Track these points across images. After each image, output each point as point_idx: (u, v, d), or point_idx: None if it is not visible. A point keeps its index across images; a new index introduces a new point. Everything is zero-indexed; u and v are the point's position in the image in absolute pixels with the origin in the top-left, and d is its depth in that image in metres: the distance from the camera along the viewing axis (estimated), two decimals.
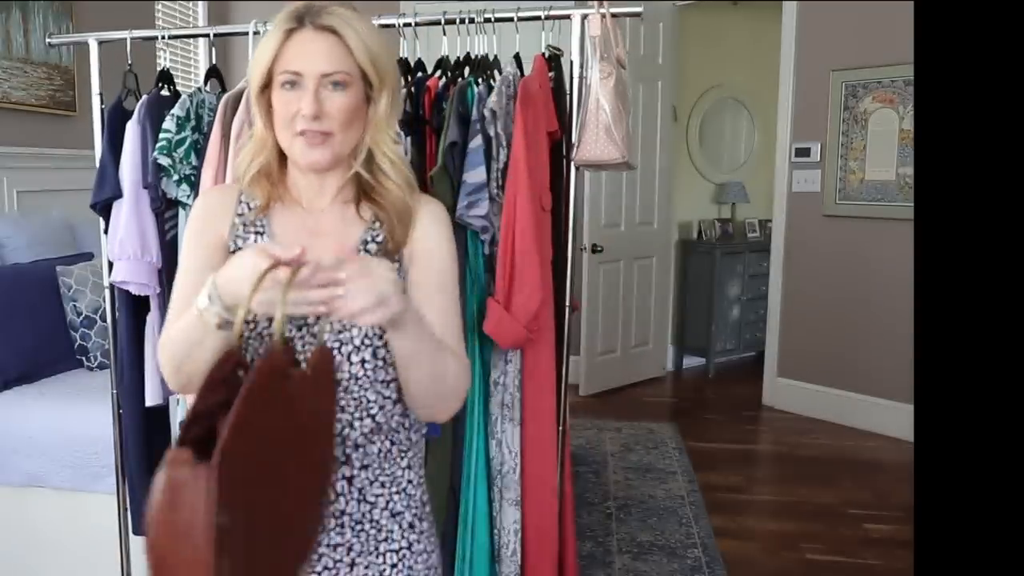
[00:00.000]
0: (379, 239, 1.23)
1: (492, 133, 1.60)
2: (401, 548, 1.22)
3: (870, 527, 3.03)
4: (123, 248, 1.69)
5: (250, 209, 1.21)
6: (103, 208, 1.77)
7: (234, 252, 1.17)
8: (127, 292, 1.76)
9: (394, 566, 1.21)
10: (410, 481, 1.24)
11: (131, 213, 1.69)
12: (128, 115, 1.75)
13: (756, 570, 2.71)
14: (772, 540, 2.93)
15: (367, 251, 1.23)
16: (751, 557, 2.79)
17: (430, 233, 1.24)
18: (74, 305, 2.65)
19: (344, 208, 1.23)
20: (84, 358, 2.65)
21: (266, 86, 1.16)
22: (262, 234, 1.20)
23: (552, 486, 1.73)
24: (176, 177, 1.63)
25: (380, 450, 1.20)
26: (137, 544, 1.99)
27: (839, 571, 2.71)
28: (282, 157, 1.21)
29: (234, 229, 1.20)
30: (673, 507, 3.16)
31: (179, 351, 1.11)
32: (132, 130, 1.72)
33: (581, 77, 1.64)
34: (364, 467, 1.18)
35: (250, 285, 0.98)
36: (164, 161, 1.61)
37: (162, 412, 1.87)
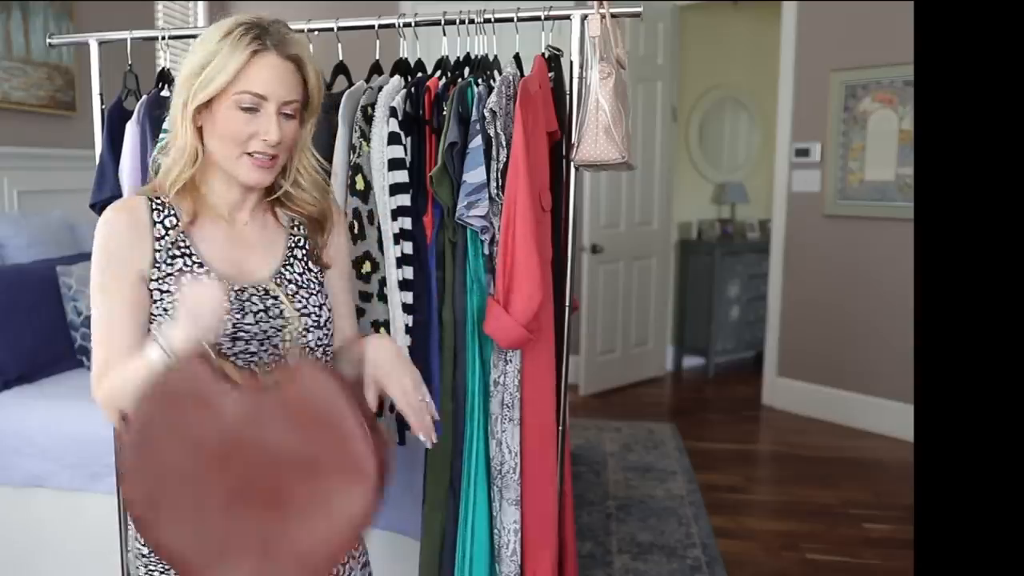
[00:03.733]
0: (302, 244, 1.29)
1: (492, 133, 1.60)
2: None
3: (870, 527, 3.03)
4: None
5: (167, 229, 1.18)
6: (103, 208, 1.77)
7: (157, 279, 1.16)
8: None
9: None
10: None
11: None
12: (128, 115, 1.75)
13: (756, 570, 2.71)
14: (772, 540, 2.93)
15: (295, 258, 1.27)
16: (751, 557, 2.79)
17: (341, 254, 1.34)
18: (74, 305, 2.65)
19: (263, 217, 1.27)
20: (84, 358, 2.65)
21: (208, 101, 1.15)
22: (190, 255, 1.18)
23: (552, 486, 1.73)
24: None
25: None
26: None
27: (839, 571, 2.71)
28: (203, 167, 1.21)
29: (154, 256, 1.17)
30: (673, 507, 3.16)
31: (130, 395, 1.09)
32: (132, 130, 1.72)
33: (581, 77, 1.64)
34: None
35: (213, 314, 1.04)
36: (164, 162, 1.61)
37: None
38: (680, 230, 5.63)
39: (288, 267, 1.26)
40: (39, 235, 2.93)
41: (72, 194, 3.23)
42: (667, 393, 5.02)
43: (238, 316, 1.16)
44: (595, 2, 1.58)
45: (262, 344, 1.18)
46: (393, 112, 1.64)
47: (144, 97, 1.76)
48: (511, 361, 1.67)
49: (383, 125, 1.64)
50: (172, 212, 1.19)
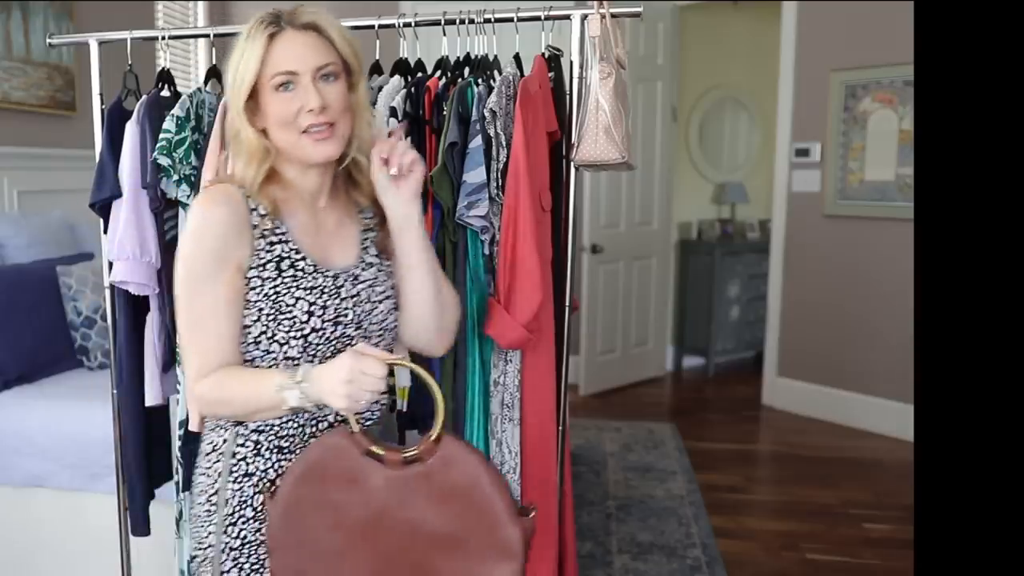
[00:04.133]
0: (372, 228, 1.31)
1: (492, 133, 1.60)
2: None
3: (870, 527, 3.03)
4: (122, 248, 1.69)
5: (261, 216, 1.21)
6: (102, 208, 1.77)
7: (257, 267, 1.18)
8: (127, 292, 1.76)
9: None
10: None
11: (130, 213, 1.69)
12: (128, 115, 1.75)
13: (756, 570, 2.71)
14: (772, 540, 2.93)
15: (371, 242, 1.30)
16: (751, 557, 2.79)
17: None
18: (74, 305, 2.65)
19: (339, 201, 1.29)
20: (84, 358, 2.65)
21: (250, 96, 1.18)
22: (286, 242, 1.21)
23: (552, 486, 1.73)
24: (176, 177, 1.63)
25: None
26: (137, 544, 1.99)
27: (839, 571, 2.71)
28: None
29: (254, 245, 1.19)
30: (673, 507, 3.16)
31: (242, 412, 1.19)
32: (131, 130, 1.72)
33: (581, 77, 1.64)
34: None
35: (373, 394, 1.07)
36: (164, 161, 1.61)
37: (162, 412, 1.87)
38: (680, 230, 5.63)
39: (366, 251, 1.29)
40: (39, 235, 2.93)
41: (72, 194, 3.23)
42: (667, 393, 5.02)
43: (336, 301, 1.21)
44: (595, 2, 1.57)
45: (357, 328, 1.23)
46: (393, 112, 1.64)
47: (144, 97, 1.76)
48: (511, 361, 1.67)
49: (383, 125, 1.64)
50: (260, 202, 1.21)
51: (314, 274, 1.21)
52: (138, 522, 1.87)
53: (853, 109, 4.15)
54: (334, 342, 1.20)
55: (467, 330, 1.68)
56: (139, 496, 1.85)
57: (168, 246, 1.72)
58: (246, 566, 1.22)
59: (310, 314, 1.18)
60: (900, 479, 3.47)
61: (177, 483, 1.75)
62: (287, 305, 1.18)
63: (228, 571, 1.22)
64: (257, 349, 1.20)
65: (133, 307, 1.80)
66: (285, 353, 1.19)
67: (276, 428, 1.23)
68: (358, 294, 1.24)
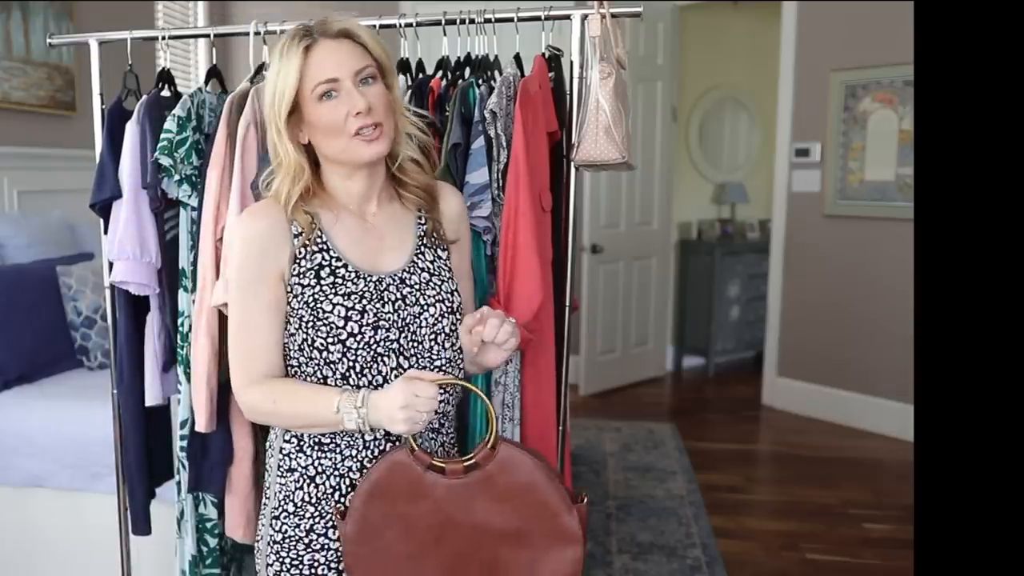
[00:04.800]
0: (429, 231, 1.32)
1: (492, 134, 1.60)
2: None
3: (870, 527, 3.03)
4: (122, 248, 1.69)
5: (302, 228, 1.23)
6: (102, 208, 1.77)
7: (297, 276, 1.22)
8: (127, 292, 1.76)
9: None
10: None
11: (130, 213, 1.69)
12: (128, 115, 1.75)
13: (756, 570, 2.71)
14: (772, 540, 2.93)
15: (425, 245, 1.32)
16: (751, 557, 2.79)
17: (463, 224, 1.39)
18: (74, 305, 2.65)
19: (391, 206, 1.31)
20: (84, 358, 2.65)
21: (291, 112, 1.21)
22: (327, 250, 1.23)
23: None
24: (177, 177, 1.63)
25: (452, 410, 1.34)
26: (137, 544, 1.99)
27: (839, 571, 2.71)
28: (316, 173, 1.27)
29: (295, 253, 1.23)
30: (673, 507, 3.16)
31: (297, 425, 1.24)
32: (131, 130, 1.72)
33: (581, 77, 1.64)
34: (448, 433, 1.33)
35: (429, 415, 1.13)
36: (165, 161, 1.61)
37: (162, 412, 1.87)
38: (680, 230, 5.63)
39: (420, 255, 1.30)
40: (39, 235, 2.93)
41: (72, 194, 3.23)
42: (667, 393, 5.02)
43: (378, 305, 1.22)
44: (595, 2, 1.57)
45: (401, 332, 1.23)
46: None
47: (144, 97, 1.76)
48: (511, 361, 1.67)
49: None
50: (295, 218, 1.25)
51: (355, 280, 1.23)
52: (139, 521, 1.87)
53: (853, 109, 4.15)
54: (375, 346, 1.21)
55: None
56: (140, 496, 1.85)
57: (168, 246, 1.72)
58: (286, 560, 1.26)
59: (346, 319, 1.20)
60: (900, 479, 3.47)
61: (178, 483, 1.74)
62: (324, 311, 1.20)
63: (271, 564, 1.27)
64: (301, 355, 1.24)
65: (133, 307, 1.80)
66: (326, 359, 1.21)
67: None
68: (404, 298, 1.25)
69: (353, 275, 1.23)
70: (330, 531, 1.26)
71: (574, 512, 1.18)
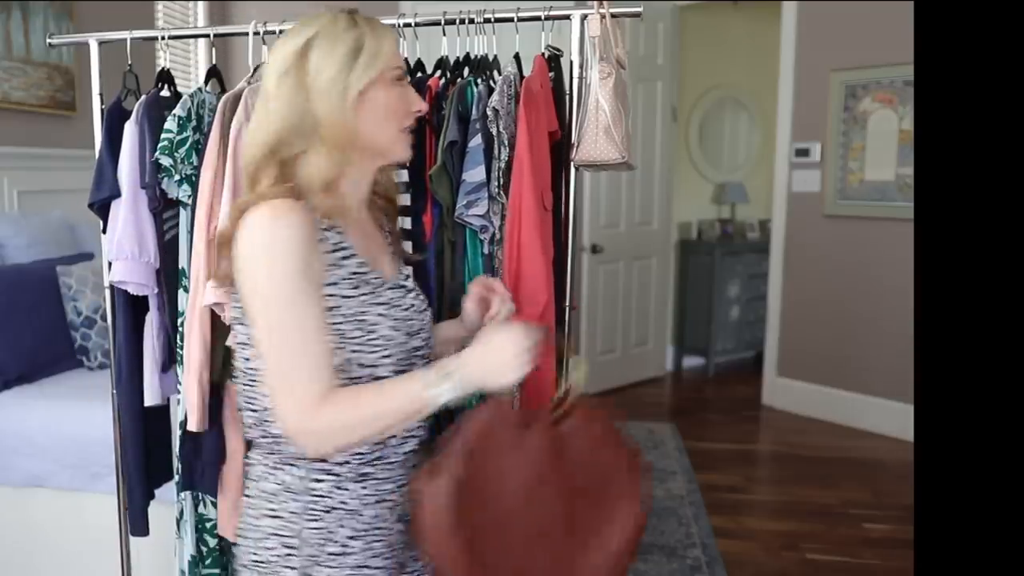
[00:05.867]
0: (391, 241, 1.31)
1: (494, 132, 1.60)
2: None
3: (870, 527, 3.03)
4: (120, 248, 1.69)
5: (324, 231, 1.12)
6: (101, 208, 1.77)
7: (330, 285, 1.10)
8: (126, 292, 1.76)
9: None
10: None
11: (129, 213, 1.69)
12: (128, 115, 1.75)
13: (756, 570, 2.71)
14: (772, 540, 2.93)
15: (396, 254, 1.31)
16: (751, 557, 2.79)
17: None
18: (74, 305, 2.65)
19: (369, 211, 1.28)
20: (84, 358, 2.65)
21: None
22: (353, 256, 1.14)
23: None
24: (177, 177, 1.63)
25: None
26: (137, 544, 1.99)
27: (839, 571, 2.71)
28: None
29: (324, 260, 1.10)
30: (673, 507, 3.16)
31: (370, 432, 1.08)
32: (130, 130, 1.72)
33: (581, 77, 1.64)
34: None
35: (522, 365, 1.09)
36: (166, 161, 1.61)
37: (162, 412, 1.87)
38: (680, 230, 5.62)
39: (397, 261, 1.29)
40: (39, 235, 2.93)
41: (72, 194, 3.23)
42: (667, 393, 5.02)
43: (405, 313, 1.19)
44: (595, 2, 1.57)
45: (425, 338, 1.21)
46: None
47: (143, 97, 1.76)
48: None
49: None
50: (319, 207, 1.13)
51: (382, 288, 1.16)
52: (137, 522, 1.86)
53: (853, 109, 4.15)
54: (412, 353, 1.17)
55: None
56: (138, 496, 1.85)
57: (168, 246, 1.72)
58: None
59: (395, 330, 1.14)
60: (900, 479, 3.47)
61: (177, 483, 1.74)
62: (371, 324, 1.12)
63: None
64: (341, 376, 1.10)
65: (132, 307, 1.80)
66: (371, 375, 1.12)
67: (360, 455, 1.16)
68: (413, 305, 1.22)
69: (379, 282, 1.16)
70: (374, 560, 1.17)
71: (637, 468, 1.21)
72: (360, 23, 1.15)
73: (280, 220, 1.05)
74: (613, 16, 1.58)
